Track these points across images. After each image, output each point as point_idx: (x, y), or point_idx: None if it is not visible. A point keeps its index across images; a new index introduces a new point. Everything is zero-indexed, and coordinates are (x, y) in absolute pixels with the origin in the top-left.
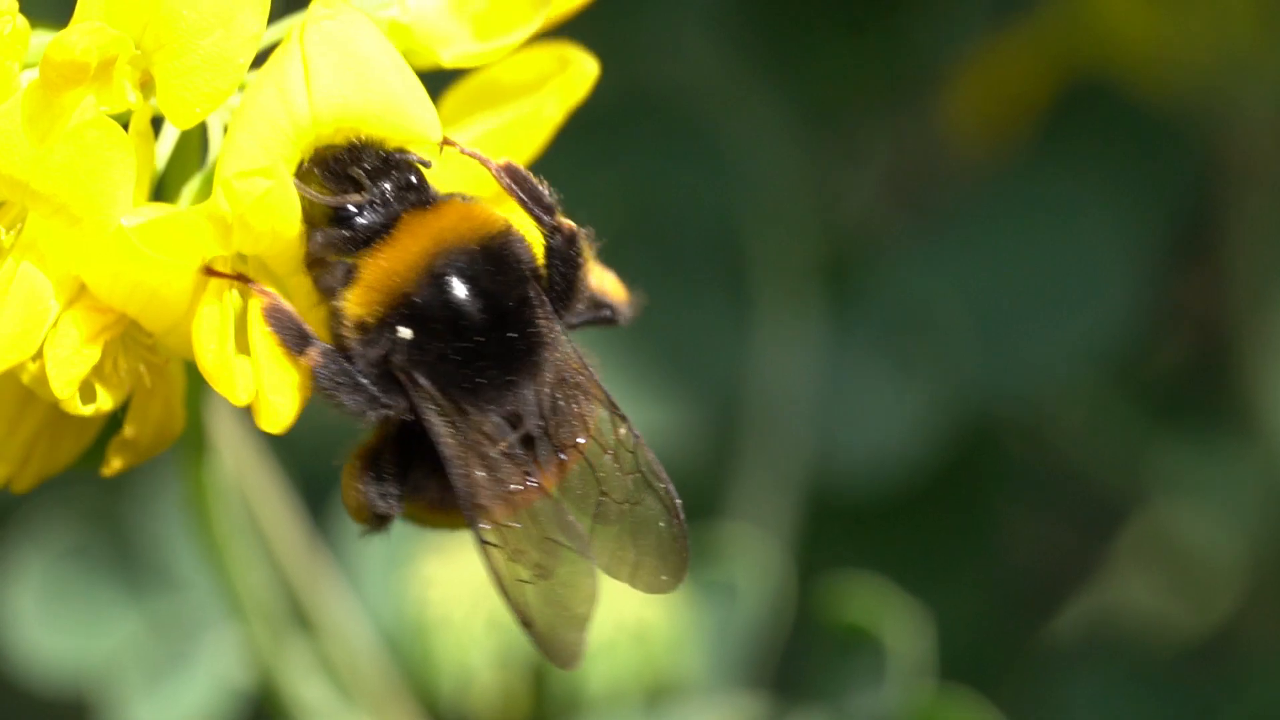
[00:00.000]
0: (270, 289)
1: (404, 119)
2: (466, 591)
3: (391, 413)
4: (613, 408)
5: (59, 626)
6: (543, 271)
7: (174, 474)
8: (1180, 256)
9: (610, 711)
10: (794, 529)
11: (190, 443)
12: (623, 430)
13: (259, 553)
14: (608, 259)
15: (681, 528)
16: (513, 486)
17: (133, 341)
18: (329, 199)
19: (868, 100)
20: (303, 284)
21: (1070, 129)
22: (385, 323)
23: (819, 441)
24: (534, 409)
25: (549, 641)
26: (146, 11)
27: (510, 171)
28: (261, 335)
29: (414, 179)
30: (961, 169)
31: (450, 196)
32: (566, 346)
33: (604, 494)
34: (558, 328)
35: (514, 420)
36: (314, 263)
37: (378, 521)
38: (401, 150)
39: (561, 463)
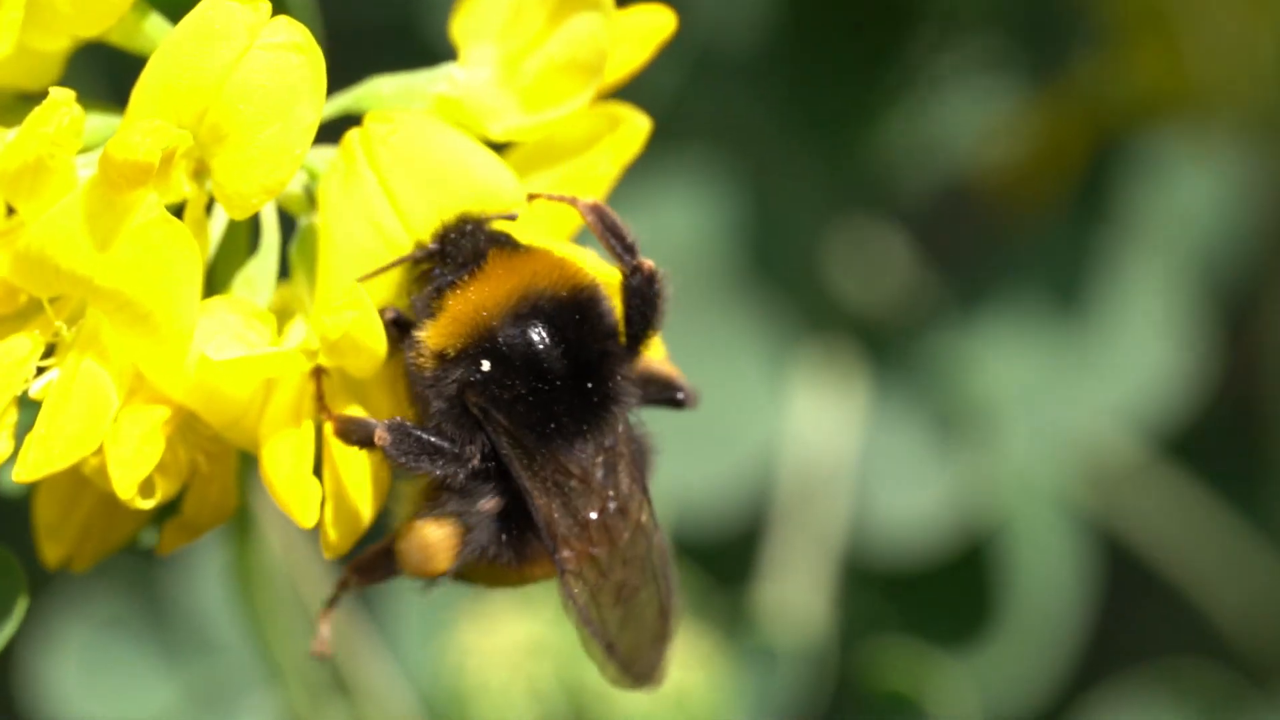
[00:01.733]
0: (344, 410)
1: (490, 195)
2: (504, 659)
3: (474, 463)
4: (644, 490)
5: (100, 695)
6: (620, 326)
7: (213, 542)
8: (1223, 317)
9: None
10: (831, 594)
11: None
12: (645, 516)
13: (298, 619)
14: None
15: (668, 629)
16: (591, 514)
17: (191, 432)
18: (416, 254)
19: (907, 164)
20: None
21: (1107, 188)
22: (465, 355)
23: (856, 506)
24: (596, 462)
25: (632, 663)
26: (203, 103)
27: (596, 210)
28: (336, 460)
29: (498, 228)
30: (1000, 232)
31: (541, 245)
32: (631, 413)
33: (607, 572)
34: (633, 391)
35: (581, 466)
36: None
37: (434, 577)
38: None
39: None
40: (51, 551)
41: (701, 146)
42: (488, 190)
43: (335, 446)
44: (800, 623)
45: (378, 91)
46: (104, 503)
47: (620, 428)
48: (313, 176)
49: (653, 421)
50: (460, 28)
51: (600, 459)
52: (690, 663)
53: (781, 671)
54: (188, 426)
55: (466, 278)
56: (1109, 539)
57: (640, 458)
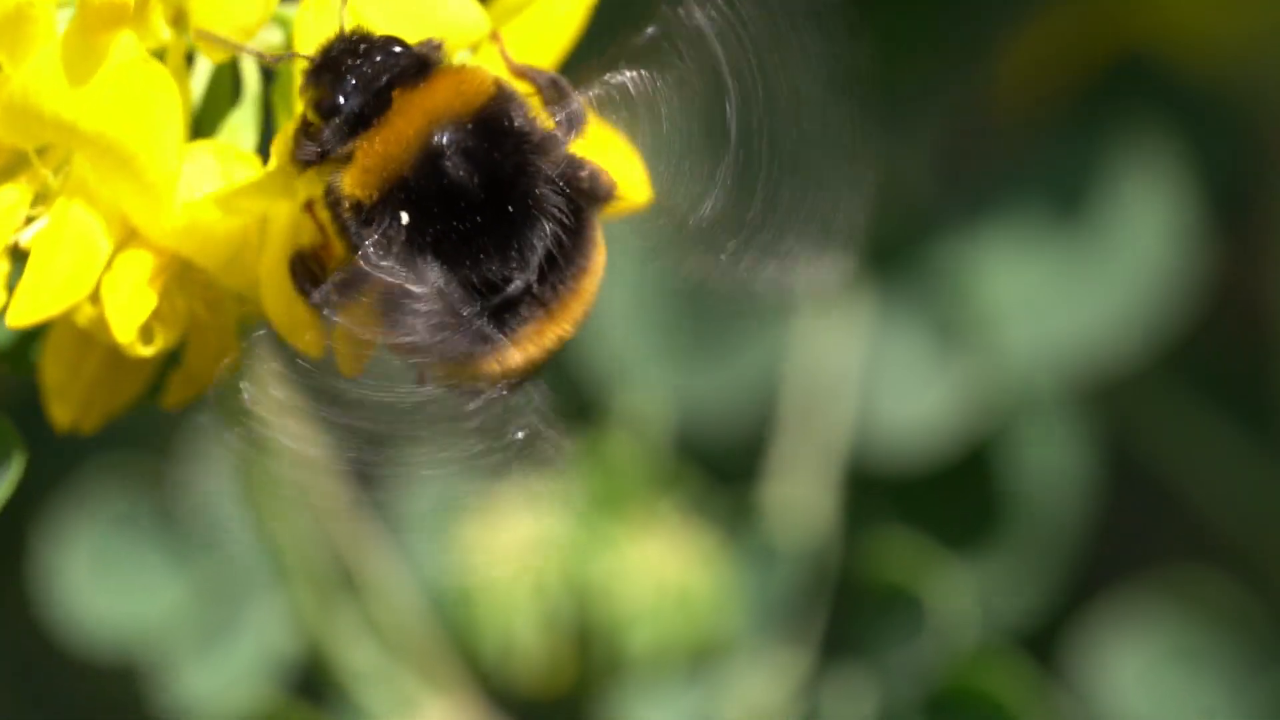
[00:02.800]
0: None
1: (455, 27)
2: (509, 557)
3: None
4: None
5: (109, 592)
6: (548, 124)
7: (220, 440)
8: (1222, 235)
9: (654, 674)
10: (834, 496)
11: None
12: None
13: (306, 517)
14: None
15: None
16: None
17: (188, 280)
18: (317, 95)
19: (915, 71)
20: None
21: (1115, 102)
22: (382, 204)
23: (860, 411)
24: (531, 272)
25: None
26: None
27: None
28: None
29: (403, 57)
30: (1004, 139)
31: (443, 69)
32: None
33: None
34: (558, 193)
35: (506, 283)
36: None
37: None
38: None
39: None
40: (60, 413)
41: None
42: (453, 22)
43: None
44: (802, 522)
45: None
46: (108, 360)
47: (550, 235)
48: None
49: (646, 329)
50: None
51: (532, 271)
52: (693, 560)
53: (783, 569)
54: (184, 274)
55: (374, 124)
56: (1111, 446)
57: (573, 260)
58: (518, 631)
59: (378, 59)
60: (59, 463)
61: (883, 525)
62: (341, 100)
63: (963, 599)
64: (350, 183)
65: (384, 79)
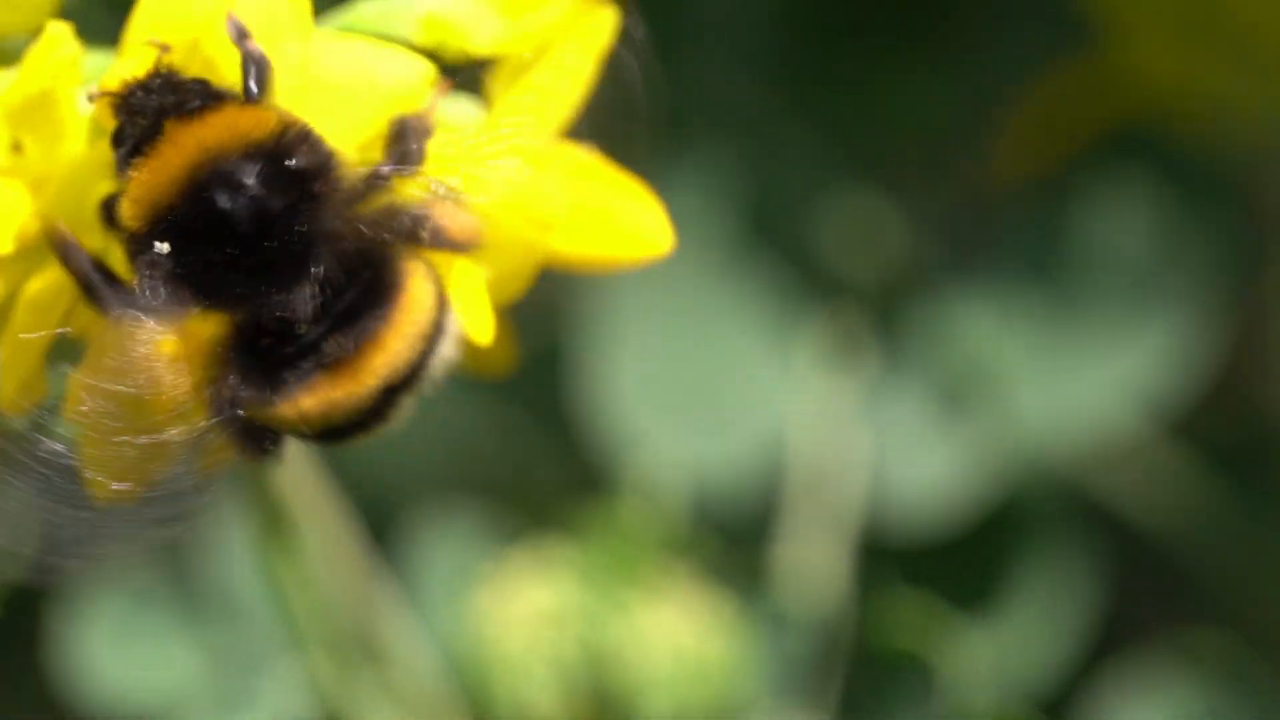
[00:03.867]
0: None
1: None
2: (524, 625)
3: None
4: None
5: (129, 664)
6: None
7: (236, 505)
8: (1225, 303)
9: None
10: (845, 563)
11: (254, 474)
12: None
13: (322, 582)
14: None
15: None
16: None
17: None
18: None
19: (912, 139)
20: None
21: (1116, 170)
22: (148, 235)
23: (868, 477)
24: (314, 310)
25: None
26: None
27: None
28: None
29: (185, 87)
30: (1006, 205)
31: (225, 101)
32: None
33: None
34: (347, 241)
35: (289, 324)
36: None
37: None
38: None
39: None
40: (101, 488)
41: (698, 125)
42: (392, 84)
43: None
44: (815, 588)
45: (362, 15)
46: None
47: (340, 271)
48: None
49: (657, 395)
50: None
51: (315, 309)
52: (708, 626)
53: (797, 635)
54: None
55: (146, 152)
56: (1114, 514)
57: (372, 308)
58: (534, 699)
59: (163, 91)
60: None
61: (893, 590)
62: (125, 131)
63: (975, 664)
64: (123, 212)
65: (160, 109)
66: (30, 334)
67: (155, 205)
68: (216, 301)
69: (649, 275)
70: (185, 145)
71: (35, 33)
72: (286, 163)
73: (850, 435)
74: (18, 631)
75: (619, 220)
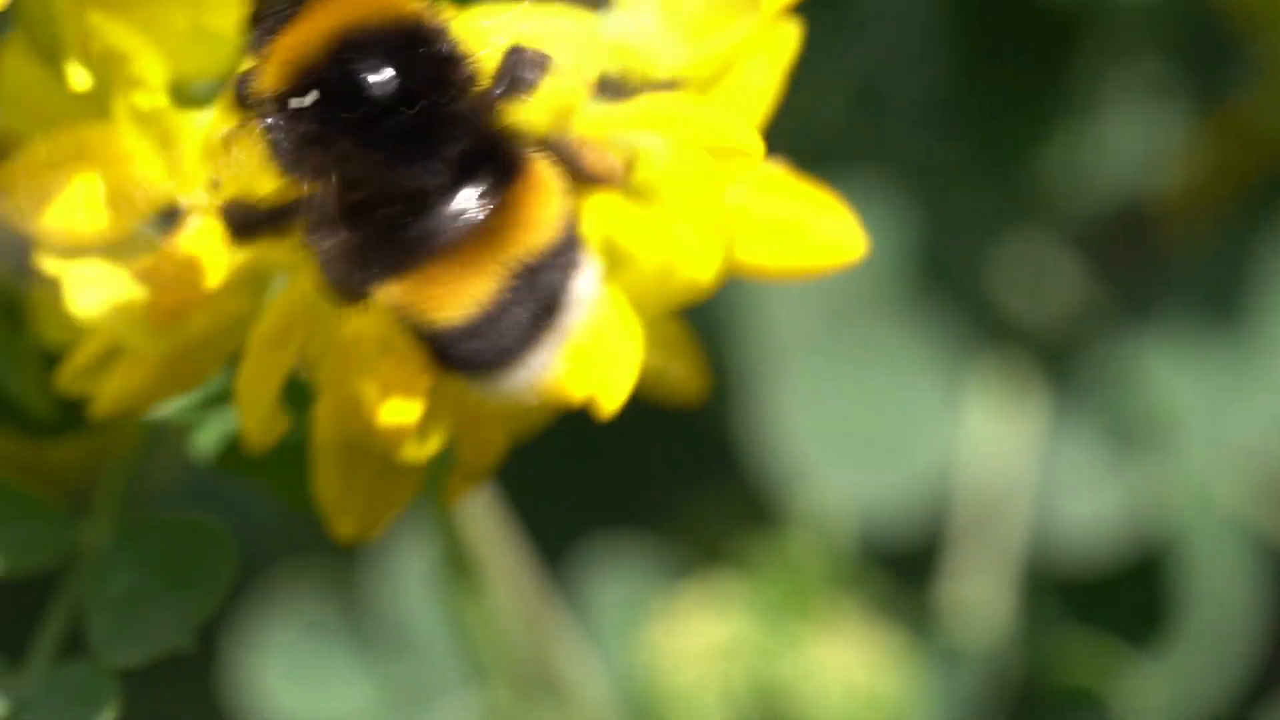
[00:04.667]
0: None
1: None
2: (696, 659)
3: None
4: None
5: (302, 695)
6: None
7: (411, 542)
8: None
9: None
10: (1013, 599)
11: (434, 508)
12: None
13: (499, 614)
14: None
15: None
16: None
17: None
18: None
19: (1073, 183)
20: None
21: (1273, 210)
22: (290, 92)
23: (1034, 515)
24: (447, 182)
25: None
26: None
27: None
28: None
29: None
30: (1167, 251)
31: None
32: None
33: None
34: (485, 111)
35: (419, 193)
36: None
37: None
38: None
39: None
40: (343, 526)
41: (869, 171)
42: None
43: None
44: (982, 623)
45: None
46: (382, 467)
47: (473, 149)
48: None
49: (826, 430)
50: None
51: (449, 181)
52: (879, 661)
53: (967, 670)
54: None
55: (290, 19)
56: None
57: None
58: None
59: None
60: (250, 565)
61: (1060, 626)
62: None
63: (1145, 699)
64: (265, 76)
65: None
66: (264, 371)
67: (300, 66)
68: (351, 167)
69: (820, 310)
70: (334, 11)
71: (222, 75)
72: (430, 43)
73: (1017, 470)
74: (194, 660)
75: (811, 230)
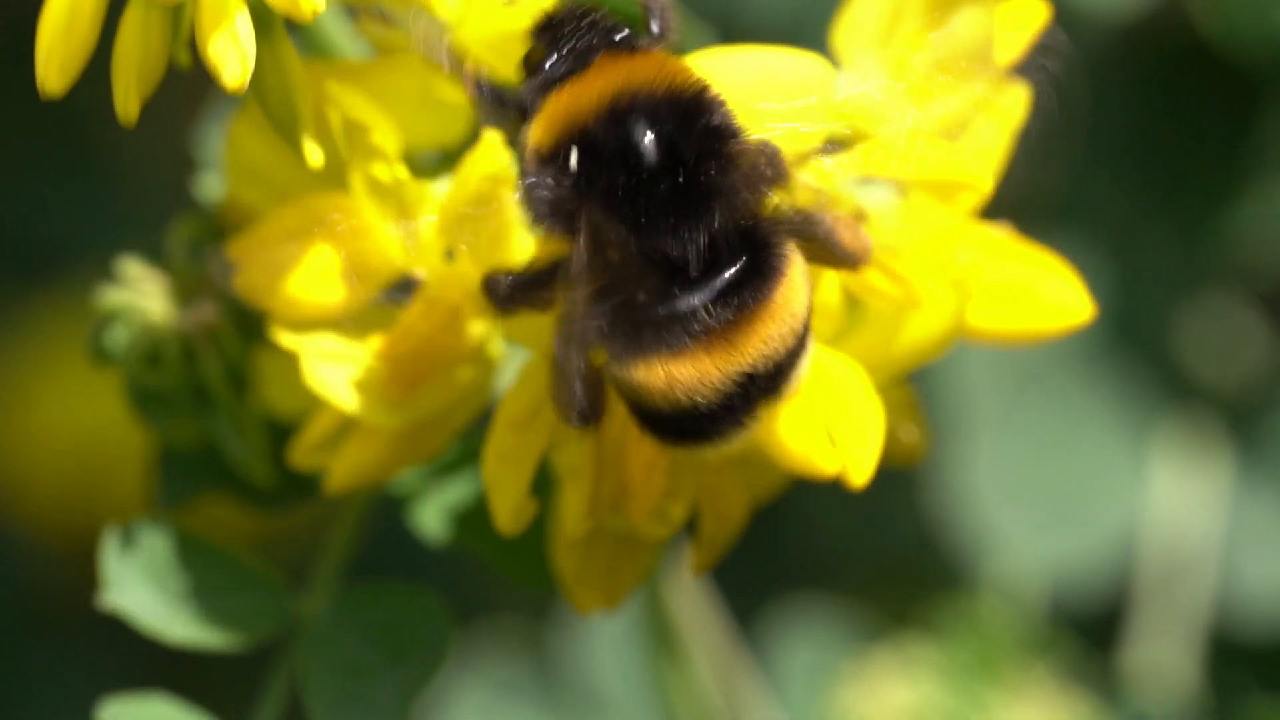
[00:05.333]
0: None
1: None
2: None
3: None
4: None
5: None
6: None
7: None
8: None
9: None
10: (1198, 663)
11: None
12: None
13: (695, 676)
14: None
15: None
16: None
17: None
18: (530, 53)
19: (1262, 241)
20: None
21: None
22: (558, 148)
23: (1221, 579)
24: (702, 265)
25: None
26: None
27: None
28: None
29: (616, 30)
30: None
31: (654, 47)
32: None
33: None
34: (746, 191)
35: (673, 272)
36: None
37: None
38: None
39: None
40: (587, 600)
41: (1058, 225)
42: (797, 80)
43: None
44: (1170, 690)
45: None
46: (621, 542)
47: (734, 233)
48: None
49: (1013, 492)
50: (842, 38)
51: (702, 264)
52: None
53: None
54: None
55: (570, 77)
56: None
57: (753, 283)
58: None
59: (595, 27)
60: None
61: (1245, 691)
62: (551, 58)
63: None
64: (536, 130)
65: (595, 43)
66: (515, 453)
67: (571, 124)
68: (607, 230)
69: (1010, 371)
70: (614, 75)
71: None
72: (703, 116)
73: (1202, 533)
74: None
75: (1039, 293)
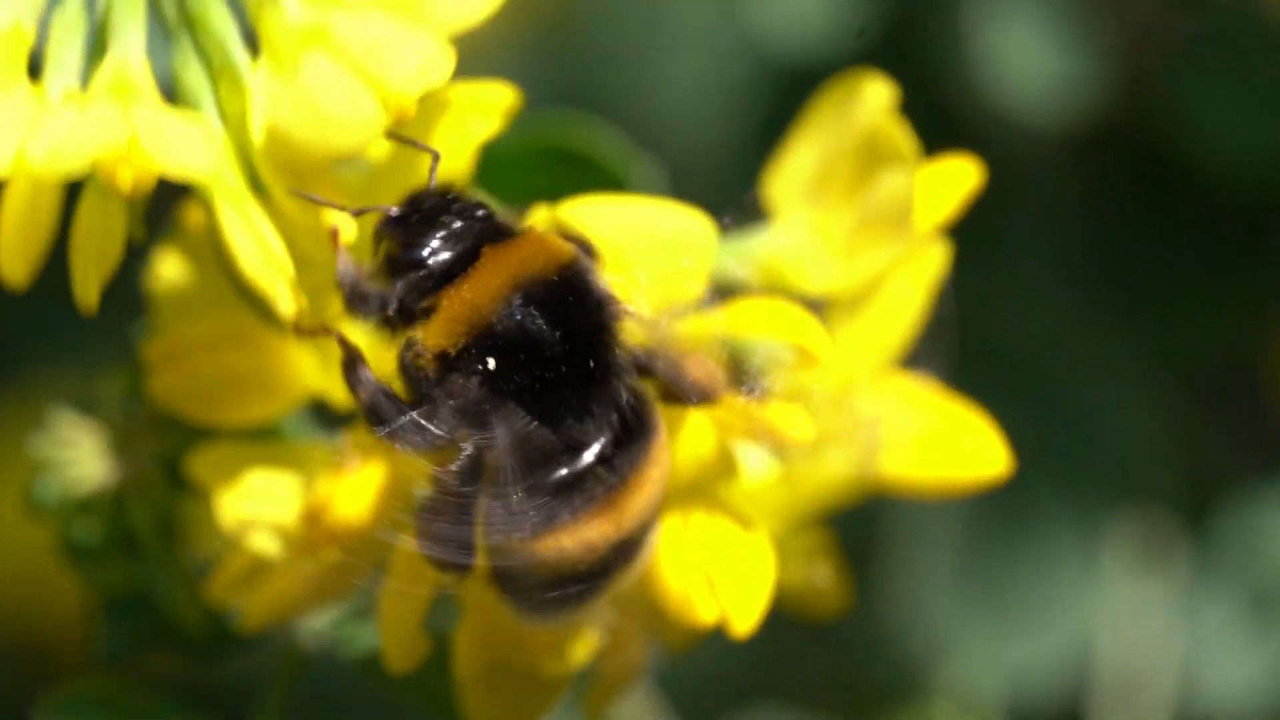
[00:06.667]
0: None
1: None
2: None
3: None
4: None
5: None
6: (623, 304)
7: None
8: None
9: None
10: None
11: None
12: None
13: None
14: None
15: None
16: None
17: None
18: (407, 247)
19: (1224, 345)
20: None
21: None
22: (467, 352)
23: (1178, 686)
24: (604, 435)
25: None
26: None
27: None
28: None
29: (489, 216)
30: None
31: (526, 231)
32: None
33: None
34: (631, 362)
35: (579, 446)
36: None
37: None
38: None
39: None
40: None
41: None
42: (678, 237)
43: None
44: None
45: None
46: (525, 679)
47: (623, 400)
48: None
49: (966, 597)
50: (773, 190)
51: (605, 434)
52: None
53: None
54: None
55: (461, 276)
56: None
57: (640, 443)
58: None
59: (467, 216)
60: None
61: None
62: (428, 254)
63: None
64: (435, 333)
65: (474, 235)
66: (408, 594)
67: (474, 325)
68: (528, 411)
69: None
70: (500, 269)
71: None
72: (587, 289)
73: (1160, 639)
74: None
75: (957, 446)
